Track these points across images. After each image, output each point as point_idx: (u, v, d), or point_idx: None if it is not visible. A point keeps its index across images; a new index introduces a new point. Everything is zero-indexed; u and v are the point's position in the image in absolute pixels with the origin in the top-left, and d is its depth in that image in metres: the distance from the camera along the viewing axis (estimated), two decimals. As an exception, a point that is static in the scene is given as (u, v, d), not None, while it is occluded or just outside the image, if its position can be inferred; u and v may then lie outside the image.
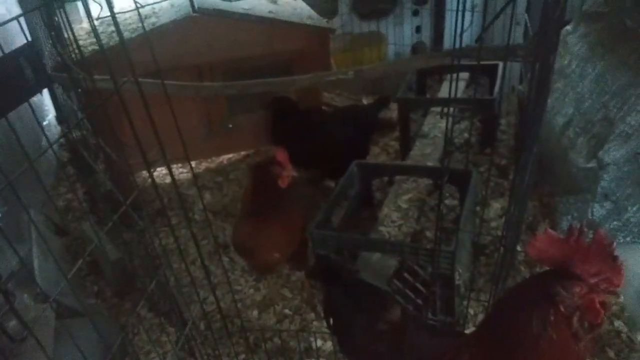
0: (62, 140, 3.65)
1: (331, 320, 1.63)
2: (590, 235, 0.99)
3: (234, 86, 2.40)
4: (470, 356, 1.20)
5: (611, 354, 2.00)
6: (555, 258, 1.01)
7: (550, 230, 1.03)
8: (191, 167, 1.71)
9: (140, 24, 3.02)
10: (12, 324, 1.72)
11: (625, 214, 2.23)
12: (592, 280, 0.97)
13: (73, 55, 2.34)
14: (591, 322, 1.00)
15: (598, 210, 2.33)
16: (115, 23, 1.24)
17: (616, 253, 0.97)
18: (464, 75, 3.41)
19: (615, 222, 2.25)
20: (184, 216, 1.93)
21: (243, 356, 2.22)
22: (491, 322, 1.23)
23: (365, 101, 4.13)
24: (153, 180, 1.87)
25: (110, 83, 1.42)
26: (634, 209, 2.21)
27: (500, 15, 2.72)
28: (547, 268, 1.07)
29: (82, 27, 3.39)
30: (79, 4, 3.36)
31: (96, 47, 2.67)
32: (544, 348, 1.02)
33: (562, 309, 0.99)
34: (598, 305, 0.98)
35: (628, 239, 2.15)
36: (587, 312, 0.99)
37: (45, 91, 3.50)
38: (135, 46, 1.95)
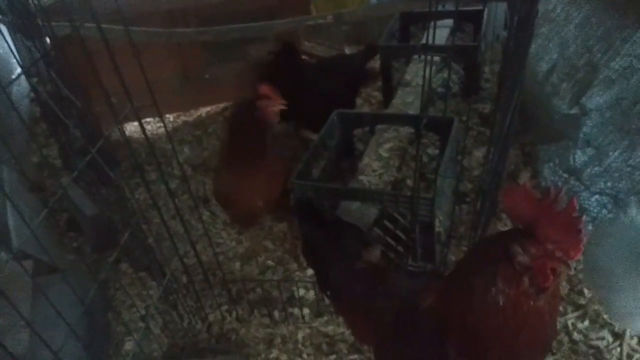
0: (32, 94, 3.51)
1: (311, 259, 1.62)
2: (563, 203, 0.99)
3: (208, 32, 2.31)
4: (435, 298, 1.23)
5: (589, 294, 2.04)
6: (524, 214, 1.02)
7: (528, 185, 1.03)
8: (163, 120, 1.65)
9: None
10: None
11: (607, 159, 2.22)
12: (550, 246, 0.98)
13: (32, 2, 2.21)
14: (540, 285, 1.02)
15: (580, 157, 2.32)
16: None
17: (582, 227, 0.97)
18: (449, 22, 3.32)
19: (596, 168, 2.25)
20: (159, 171, 1.88)
21: (225, 307, 2.22)
22: (457, 269, 1.26)
23: (347, 51, 4.03)
24: (123, 134, 1.81)
25: (70, 29, 1.34)
26: (615, 154, 2.20)
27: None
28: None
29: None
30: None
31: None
32: (495, 299, 1.05)
33: (515, 266, 1.02)
34: (548, 270, 1.00)
35: (609, 184, 2.15)
36: (537, 274, 1.01)
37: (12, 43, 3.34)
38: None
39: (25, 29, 2.32)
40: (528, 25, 1.81)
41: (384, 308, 1.35)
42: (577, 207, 0.99)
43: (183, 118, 3.65)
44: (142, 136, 1.73)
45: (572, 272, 1.00)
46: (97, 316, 2.16)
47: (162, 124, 3.45)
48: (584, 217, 0.99)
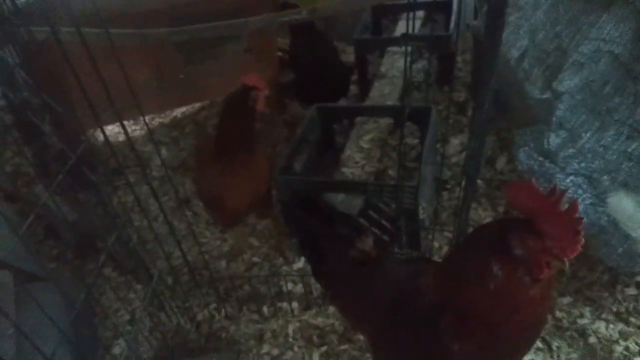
0: (2, 102, 3.43)
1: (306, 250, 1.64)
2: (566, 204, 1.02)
3: (182, 32, 2.28)
4: (430, 283, 1.25)
5: (569, 272, 2.11)
6: (528, 208, 1.05)
7: (535, 182, 1.05)
8: (145, 122, 1.64)
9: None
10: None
11: (580, 140, 2.28)
12: (549, 243, 1.02)
13: (4, 7, 2.16)
14: (534, 276, 1.06)
15: (554, 140, 2.38)
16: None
17: (581, 229, 1.01)
18: (419, 13, 3.36)
19: (570, 150, 2.31)
20: (142, 172, 1.86)
21: (214, 305, 2.22)
22: (454, 255, 1.31)
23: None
24: (105, 136, 1.79)
25: (49, 33, 1.32)
26: (588, 135, 2.27)
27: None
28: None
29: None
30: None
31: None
32: (491, 285, 1.08)
33: (513, 257, 1.05)
34: (544, 264, 1.04)
35: (583, 164, 2.21)
36: (533, 266, 1.05)
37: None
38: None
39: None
40: (500, 14, 1.85)
41: (379, 294, 1.37)
42: (578, 209, 1.02)
43: (158, 120, 3.61)
44: (119, 140, 1.72)
45: (567, 269, 1.03)
46: (83, 321, 2.13)
47: (137, 127, 3.44)
48: (585, 220, 1.02)
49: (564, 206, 1.01)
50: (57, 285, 1.67)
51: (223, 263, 2.45)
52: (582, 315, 1.97)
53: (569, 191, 2.16)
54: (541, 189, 1.04)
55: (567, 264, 1.02)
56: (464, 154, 2.53)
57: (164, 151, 3.25)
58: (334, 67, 3.18)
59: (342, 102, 3.25)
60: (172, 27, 2.90)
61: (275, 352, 2.01)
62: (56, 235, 2.68)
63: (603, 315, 1.96)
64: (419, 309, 1.26)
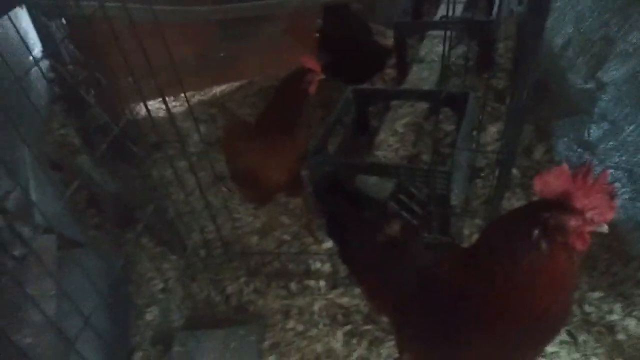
0: (51, 74, 3.56)
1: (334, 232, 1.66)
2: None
3: (223, 10, 2.32)
4: (458, 267, 1.25)
5: (602, 267, 2.08)
6: (560, 191, 1.09)
7: (564, 166, 1.09)
8: (186, 98, 1.68)
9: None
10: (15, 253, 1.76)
11: (622, 133, 2.22)
12: (589, 214, 1.07)
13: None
14: (578, 249, 1.10)
15: (595, 131, 2.32)
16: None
17: (614, 192, 1.09)
18: (462, -2, 3.29)
19: (611, 143, 2.25)
20: (181, 147, 1.92)
21: (244, 279, 2.28)
22: (484, 239, 1.28)
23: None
24: (148, 110, 1.85)
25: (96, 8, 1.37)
26: (631, 128, 2.20)
27: None
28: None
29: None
30: None
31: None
32: (533, 264, 1.10)
33: (557, 237, 1.09)
34: (586, 235, 1.09)
35: (623, 157, 2.16)
36: (577, 240, 1.09)
37: (30, 23, 3.38)
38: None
39: (46, 9, 2.35)
40: (544, 3, 1.81)
41: (404, 279, 1.38)
42: (608, 175, 1.08)
43: (198, 97, 3.68)
44: (159, 115, 1.77)
45: (607, 232, 1.09)
46: (119, 288, 2.23)
47: (177, 103, 3.52)
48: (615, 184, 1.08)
49: (594, 178, 1.07)
50: (97, 252, 1.76)
51: (255, 239, 2.50)
52: (612, 311, 1.93)
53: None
54: (567, 169, 1.09)
55: (606, 227, 1.08)
56: (500, 142, 2.50)
57: (202, 128, 3.32)
58: (367, 46, 3.20)
59: (379, 85, 3.24)
60: (214, 4, 2.96)
61: (300, 328, 2.06)
62: (97, 205, 2.79)
63: (634, 313, 1.91)
64: (443, 294, 1.27)
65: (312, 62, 2.00)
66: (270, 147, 2.09)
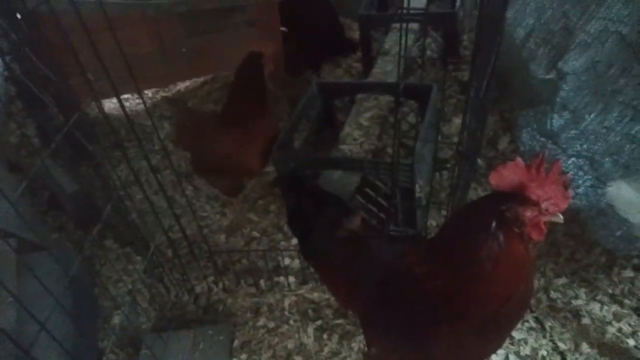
0: (6, 73, 3.43)
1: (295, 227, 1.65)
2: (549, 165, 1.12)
3: (184, 3, 2.27)
4: (421, 261, 1.26)
5: (566, 253, 2.12)
6: (515, 183, 1.12)
7: (519, 160, 1.12)
8: (141, 96, 1.64)
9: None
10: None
11: (583, 122, 2.26)
12: (544, 205, 1.10)
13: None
14: (535, 239, 1.13)
15: (557, 121, 2.36)
16: None
17: (568, 183, 1.13)
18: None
19: (573, 131, 2.29)
20: (139, 146, 1.87)
21: (212, 279, 2.25)
22: (444, 232, 1.31)
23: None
24: (101, 109, 1.79)
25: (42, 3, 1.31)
26: (591, 117, 2.24)
27: None
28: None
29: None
30: None
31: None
32: (492, 255, 1.12)
33: (510, 227, 1.11)
34: (542, 225, 1.12)
35: (585, 146, 2.20)
36: (533, 230, 1.12)
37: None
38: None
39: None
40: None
41: (367, 273, 1.38)
42: (561, 166, 1.11)
43: (162, 93, 3.61)
44: (122, 113, 1.72)
45: (562, 222, 1.11)
46: (83, 291, 2.17)
47: (141, 100, 3.44)
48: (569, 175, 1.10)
49: (548, 169, 1.10)
50: (58, 255, 1.70)
51: (222, 237, 2.47)
52: (577, 297, 1.97)
53: (569, 172, 2.16)
54: (522, 162, 1.12)
55: (561, 217, 1.11)
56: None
57: (166, 125, 3.26)
58: (327, 21, 3.26)
59: (345, 79, 3.23)
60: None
61: (271, 325, 2.05)
62: (59, 207, 2.71)
63: (598, 297, 1.96)
64: (406, 287, 1.27)
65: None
66: (245, 132, 2.17)
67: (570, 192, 1.13)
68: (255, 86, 2.18)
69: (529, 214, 1.10)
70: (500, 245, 1.11)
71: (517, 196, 1.11)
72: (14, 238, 2.13)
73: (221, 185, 2.50)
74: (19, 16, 2.46)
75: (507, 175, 1.12)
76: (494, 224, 1.11)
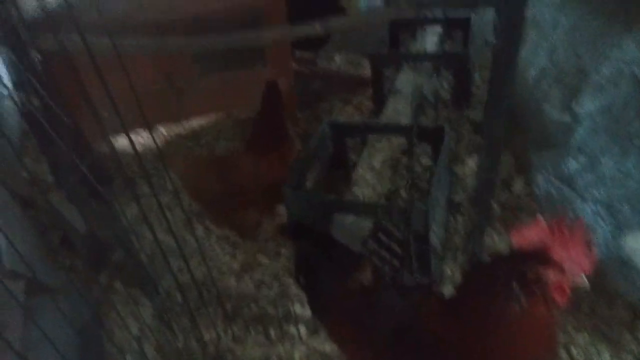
0: (22, 109, 3.48)
1: (302, 279, 1.61)
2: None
3: (197, 42, 2.28)
4: (435, 320, 1.22)
5: (586, 307, 2.05)
6: (536, 243, 1.08)
7: (540, 219, 1.09)
8: (151, 133, 1.63)
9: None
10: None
11: (599, 166, 2.22)
12: (567, 266, 1.05)
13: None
14: (558, 302, 1.08)
15: (572, 165, 2.32)
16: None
17: (592, 242, 1.07)
18: (438, 29, 3.32)
19: (589, 176, 2.24)
20: (149, 185, 1.87)
21: (221, 325, 2.20)
22: (460, 292, 1.26)
23: (337, 59, 4.05)
24: (112, 148, 1.80)
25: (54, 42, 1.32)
26: (608, 161, 2.20)
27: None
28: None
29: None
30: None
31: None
32: (512, 319, 1.08)
33: (535, 289, 1.07)
34: (566, 287, 1.07)
35: (602, 191, 2.15)
36: (556, 292, 1.08)
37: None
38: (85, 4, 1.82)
39: (9, 42, 2.29)
40: (516, 31, 1.81)
41: (378, 328, 1.33)
42: (584, 224, 1.07)
43: (175, 130, 3.63)
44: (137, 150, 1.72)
45: (587, 285, 1.06)
46: (90, 336, 2.13)
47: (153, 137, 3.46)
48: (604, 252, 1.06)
49: (570, 229, 1.05)
50: (68, 297, 1.68)
51: (232, 280, 2.43)
52: (599, 354, 1.90)
53: (586, 220, 2.11)
54: (544, 222, 1.08)
55: (586, 281, 1.05)
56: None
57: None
58: None
59: (356, 117, 3.22)
60: (187, 36, 2.92)
61: (280, 377, 1.99)
62: (70, 246, 2.70)
63: (622, 355, 1.88)
64: (420, 344, 1.23)
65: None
66: (280, 155, 2.29)
67: (595, 252, 1.08)
68: (278, 111, 2.31)
69: (552, 276, 1.06)
70: (522, 307, 1.07)
71: (539, 256, 1.07)
72: (23, 280, 2.12)
73: (240, 222, 2.47)
74: (37, 57, 2.51)
75: (528, 235, 1.09)
76: (515, 285, 1.07)
